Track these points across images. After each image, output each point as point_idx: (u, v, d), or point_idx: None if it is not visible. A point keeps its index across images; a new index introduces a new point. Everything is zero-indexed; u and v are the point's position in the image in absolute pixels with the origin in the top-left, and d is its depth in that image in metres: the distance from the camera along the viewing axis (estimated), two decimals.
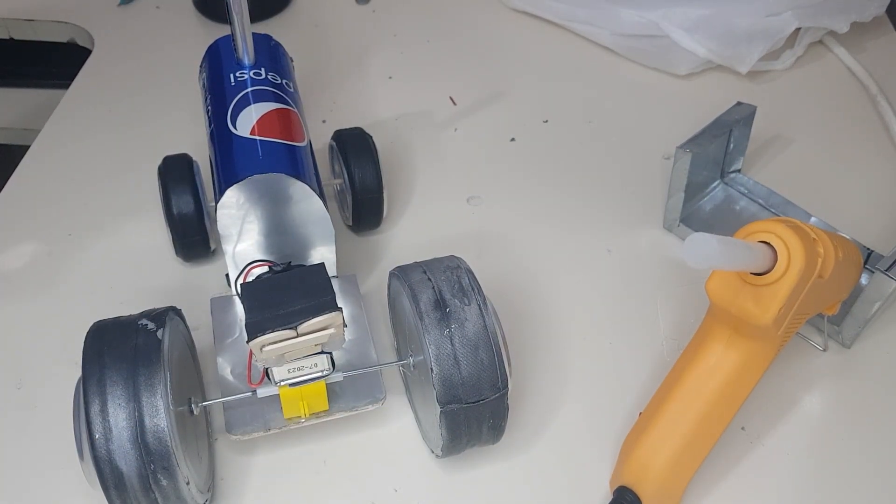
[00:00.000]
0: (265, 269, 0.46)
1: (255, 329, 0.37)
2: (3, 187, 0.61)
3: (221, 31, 0.52)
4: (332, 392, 0.44)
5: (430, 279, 0.42)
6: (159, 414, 0.37)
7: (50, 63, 0.89)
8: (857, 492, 0.44)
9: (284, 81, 0.52)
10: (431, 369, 0.39)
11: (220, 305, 0.49)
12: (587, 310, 0.53)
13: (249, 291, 0.40)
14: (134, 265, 0.56)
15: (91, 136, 0.66)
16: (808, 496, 0.44)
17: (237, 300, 0.48)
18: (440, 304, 0.40)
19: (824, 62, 0.72)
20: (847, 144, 0.64)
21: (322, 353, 0.41)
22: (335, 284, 0.42)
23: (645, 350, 0.50)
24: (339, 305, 0.39)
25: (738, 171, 0.60)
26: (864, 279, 0.50)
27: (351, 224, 0.56)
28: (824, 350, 0.50)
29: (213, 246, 0.54)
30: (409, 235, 0.58)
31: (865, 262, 0.51)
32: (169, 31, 0.77)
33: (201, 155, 0.54)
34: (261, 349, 0.38)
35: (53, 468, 0.45)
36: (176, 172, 0.52)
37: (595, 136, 0.66)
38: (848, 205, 0.59)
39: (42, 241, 0.57)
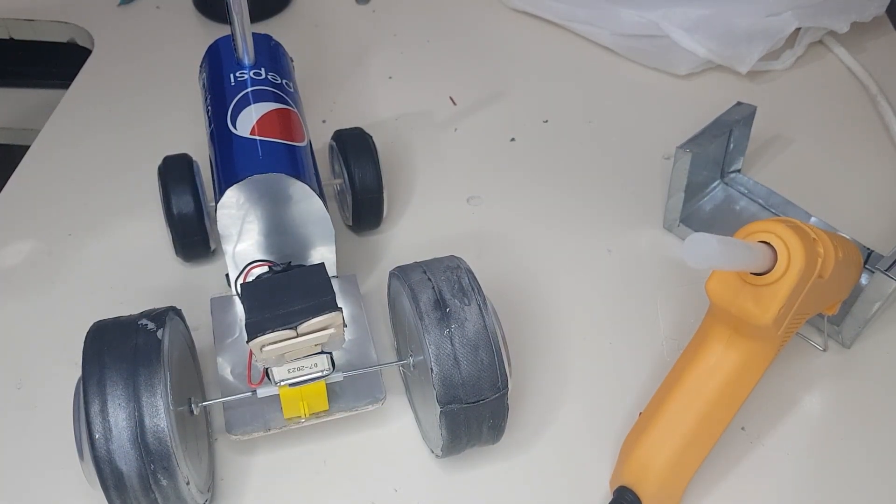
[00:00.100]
0: (265, 269, 0.46)
1: (255, 329, 0.37)
2: (3, 187, 0.61)
3: (221, 31, 0.52)
4: (332, 392, 0.44)
5: (430, 279, 0.42)
6: (159, 414, 0.37)
7: (50, 63, 0.89)
8: (857, 492, 0.44)
9: (284, 81, 0.52)
10: (431, 369, 0.39)
11: (220, 305, 0.49)
12: (587, 310, 0.53)
13: (249, 291, 0.40)
14: (134, 265, 0.56)
15: (91, 136, 0.66)
16: (808, 496, 0.44)
17: (237, 300, 0.48)
18: (440, 304, 0.40)
19: (824, 62, 0.72)
20: (847, 144, 0.64)
21: (322, 353, 0.41)
22: (335, 284, 0.42)
23: (645, 350, 0.50)
24: (339, 305, 0.39)
25: (738, 171, 0.60)
26: (864, 279, 0.50)
27: (351, 224, 0.56)
28: (824, 350, 0.50)
29: (213, 246, 0.54)
30: (409, 235, 0.58)
31: (865, 262, 0.51)
32: (169, 31, 0.77)
33: (201, 155, 0.54)
34: (261, 349, 0.38)
35: (53, 468, 0.45)
36: (176, 172, 0.52)
37: (595, 136, 0.66)
38: (848, 205, 0.59)
39: (42, 240, 0.57)
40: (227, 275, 0.48)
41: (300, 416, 0.43)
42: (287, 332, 0.37)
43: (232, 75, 0.50)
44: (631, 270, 0.55)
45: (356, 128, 0.56)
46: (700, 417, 0.41)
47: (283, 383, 0.41)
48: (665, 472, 0.41)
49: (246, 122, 0.48)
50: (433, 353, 0.39)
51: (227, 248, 0.47)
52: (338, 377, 0.43)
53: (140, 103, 0.69)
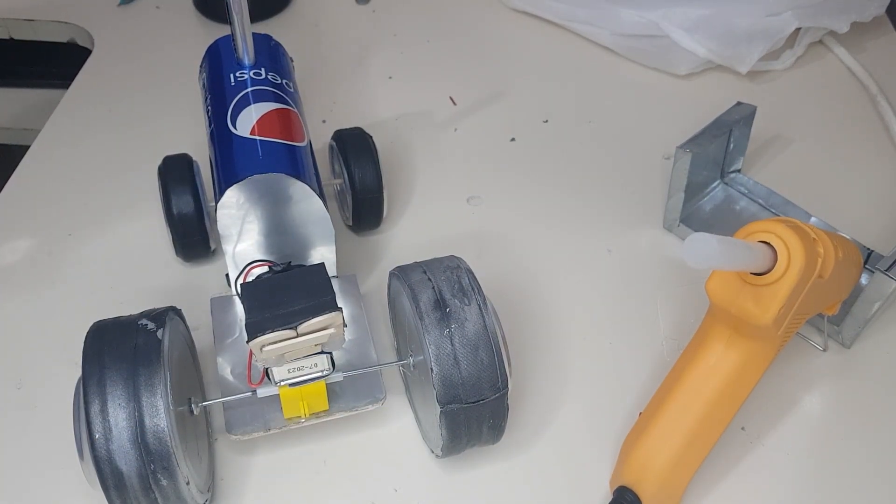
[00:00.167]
0: (265, 269, 0.46)
1: (255, 329, 0.37)
2: (3, 187, 0.61)
3: (221, 31, 0.52)
4: (332, 392, 0.44)
5: (430, 279, 0.42)
6: (159, 414, 0.37)
7: (50, 63, 0.89)
8: (857, 492, 0.44)
9: (284, 81, 0.52)
10: (431, 369, 0.39)
11: (220, 305, 0.49)
12: (587, 310, 0.53)
13: (249, 291, 0.40)
14: (134, 265, 0.56)
15: (91, 136, 0.66)
16: (808, 496, 0.44)
17: (237, 300, 0.48)
18: (440, 304, 0.40)
19: (824, 62, 0.72)
20: (847, 144, 0.64)
21: (322, 353, 0.41)
22: (335, 284, 0.42)
23: (645, 350, 0.50)
24: (339, 305, 0.39)
25: (738, 171, 0.60)
26: (864, 279, 0.50)
27: (351, 224, 0.56)
28: (824, 350, 0.50)
29: (213, 246, 0.54)
30: (409, 235, 0.58)
31: (865, 262, 0.51)
32: (169, 31, 0.77)
33: (201, 155, 0.54)
34: (261, 349, 0.38)
35: (53, 468, 0.45)
36: (176, 172, 0.52)
37: (595, 136, 0.66)
38: (848, 205, 0.59)
39: (42, 240, 0.57)
40: (227, 275, 0.48)
41: (300, 416, 0.43)
42: (287, 332, 0.37)
43: (232, 75, 0.50)
44: (631, 270, 0.55)
45: (356, 128, 0.56)
46: (700, 417, 0.41)
47: (283, 383, 0.41)
48: (665, 472, 0.41)
49: (246, 122, 0.48)
50: (433, 353, 0.39)
51: (227, 248, 0.47)
52: (338, 377, 0.43)
53: (140, 103, 0.69)
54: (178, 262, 0.55)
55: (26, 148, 0.64)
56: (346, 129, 0.56)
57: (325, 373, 0.42)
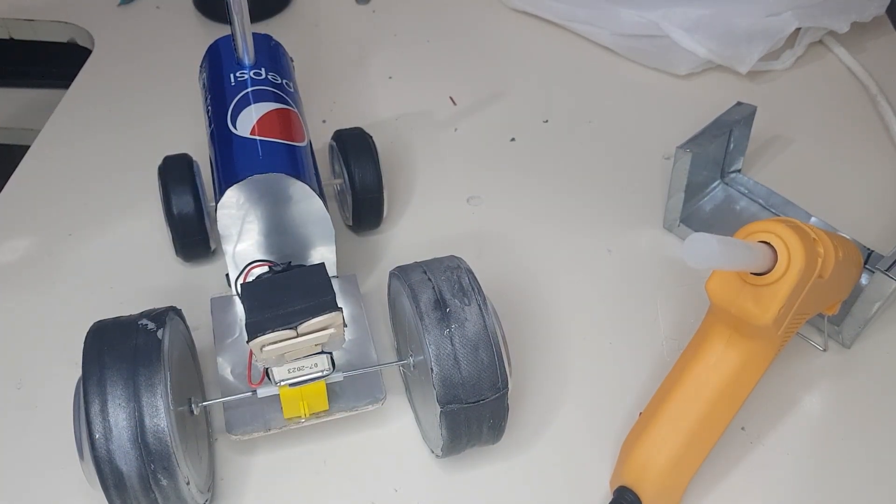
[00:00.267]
0: (265, 269, 0.46)
1: (255, 329, 0.37)
2: (3, 187, 0.61)
3: (221, 31, 0.52)
4: (332, 392, 0.44)
5: (430, 279, 0.42)
6: (159, 414, 0.37)
7: (50, 63, 0.89)
8: (857, 492, 0.44)
9: (284, 81, 0.52)
10: (431, 369, 0.39)
11: (220, 305, 0.49)
12: (587, 310, 0.53)
13: (249, 291, 0.40)
14: (134, 265, 0.56)
15: (91, 136, 0.66)
16: (808, 496, 0.44)
17: (237, 300, 0.48)
18: (440, 304, 0.40)
19: (824, 62, 0.72)
20: (847, 144, 0.64)
21: (322, 353, 0.41)
22: (335, 284, 0.42)
23: (645, 350, 0.50)
24: (339, 305, 0.39)
25: (738, 171, 0.60)
26: (864, 279, 0.50)
27: (351, 224, 0.56)
28: (824, 350, 0.50)
29: (213, 246, 0.54)
30: (409, 235, 0.58)
31: (865, 262, 0.51)
32: (169, 31, 0.77)
33: (201, 155, 0.54)
34: (261, 349, 0.38)
35: (53, 468, 0.45)
36: (176, 172, 0.52)
37: (595, 136, 0.66)
38: (848, 205, 0.59)
39: (42, 240, 0.57)
40: (227, 275, 0.48)
41: (300, 416, 0.43)
42: (287, 332, 0.37)
43: (232, 75, 0.50)
44: (631, 270, 0.55)
45: (356, 128, 0.56)
46: (700, 417, 0.41)
47: (283, 383, 0.41)
48: (665, 472, 0.41)
49: (246, 122, 0.48)
50: (433, 353, 0.39)
51: (227, 248, 0.47)
52: (338, 377, 0.43)
53: (140, 103, 0.69)
54: (178, 262, 0.55)
55: (26, 148, 0.64)
56: (346, 129, 0.56)
57: (325, 373, 0.42)
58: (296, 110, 0.51)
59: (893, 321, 0.51)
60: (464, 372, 0.39)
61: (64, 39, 0.79)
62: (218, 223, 0.46)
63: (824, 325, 0.50)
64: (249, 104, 0.49)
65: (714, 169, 0.59)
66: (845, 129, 0.66)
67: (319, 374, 0.42)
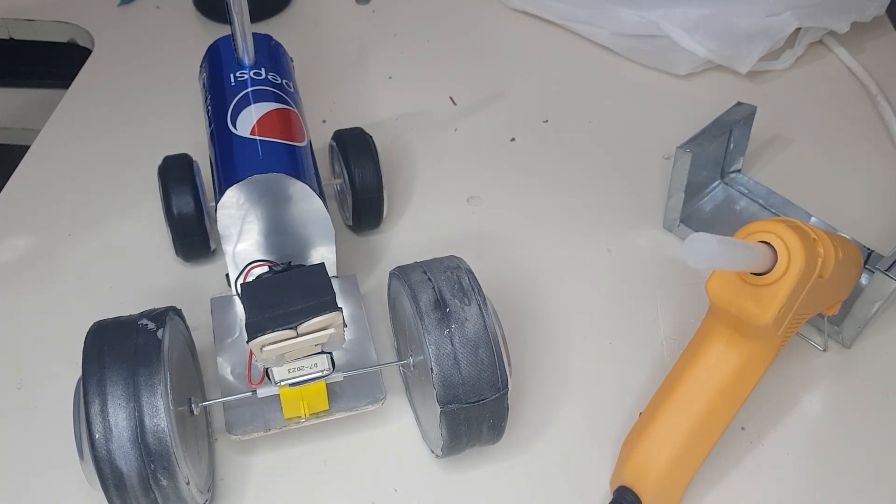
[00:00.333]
0: (265, 269, 0.46)
1: (255, 329, 0.37)
2: (3, 187, 0.61)
3: (221, 31, 0.52)
4: (332, 392, 0.44)
5: (430, 279, 0.42)
6: (159, 414, 0.37)
7: (50, 63, 0.89)
8: (857, 491, 0.44)
9: (284, 81, 0.52)
10: (431, 369, 0.39)
11: (220, 305, 0.49)
12: (587, 310, 0.53)
13: (249, 291, 0.40)
14: (134, 265, 0.56)
15: (91, 136, 0.66)
16: (808, 496, 0.44)
17: (237, 300, 0.48)
18: (440, 304, 0.40)
19: (824, 62, 0.72)
20: (847, 144, 0.64)
21: (322, 353, 0.41)
22: (335, 284, 0.42)
23: (645, 350, 0.50)
24: (339, 305, 0.39)
25: (738, 171, 0.60)
26: (864, 279, 0.50)
27: (351, 224, 0.56)
28: (824, 350, 0.50)
29: (213, 246, 0.54)
30: (409, 235, 0.58)
31: (865, 262, 0.51)
32: (169, 31, 0.77)
33: (201, 155, 0.54)
34: (261, 349, 0.38)
35: (53, 468, 0.45)
36: (176, 172, 0.52)
37: (595, 136, 0.66)
38: (848, 205, 0.59)
39: (42, 240, 0.57)
40: (227, 275, 0.48)
41: (300, 416, 0.43)
42: (287, 332, 0.37)
43: (232, 75, 0.50)
44: (631, 270, 0.55)
45: (356, 128, 0.56)
46: (700, 417, 0.41)
47: (283, 383, 0.41)
48: (665, 472, 0.41)
49: (246, 122, 0.48)
50: (433, 353, 0.39)
51: (227, 248, 0.47)
52: (338, 377, 0.43)
53: (140, 103, 0.69)
54: (178, 262, 0.55)
55: (26, 148, 0.64)
56: (346, 129, 0.56)
57: (325, 373, 0.42)
58: (296, 110, 0.51)
59: (893, 321, 0.51)
60: (464, 372, 0.39)
61: (64, 39, 0.79)
62: (218, 223, 0.46)
63: (824, 325, 0.50)
64: (249, 104, 0.49)
65: (714, 169, 0.59)
66: (845, 129, 0.66)
67: (319, 374, 0.42)
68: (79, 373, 0.38)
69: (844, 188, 0.61)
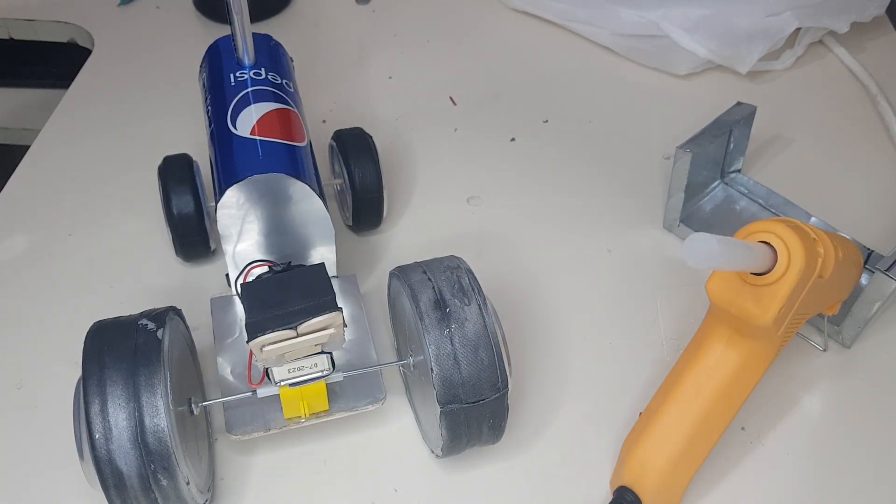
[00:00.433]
0: (265, 269, 0.46)
1: (255, 329, 0.37)
2: (3, 187, 0.61)
3: (221, 31, 0.52)
4: (332, 392, 0.44)
5: (430, 279, 0.42)
6: (159, 414, 0.37)
7: (50, 63, 0.89)
8: (857, 491, 0.44)
9: (284, 81, 0.52)
10: (431, 369, 0.39)
11: (220, 305, 0.49)
12: (587, 310, 0.53)
13: (249, 291, 0.40)
14: (134, 265, 0.56)
15: (91, 136, 0.66)
16: (808, 496, 0.44)
17: (237, 300, 0.48)
18: (440, 304, 0.40)
19: (824, 62, 0.72)
20: (847, 144, 0.64)
21: (322, 353, 0.41)
22: (335, 284, 0.42)
23: (645, 350, 0.50)
24: (339, 305, 0.39)
25: (738, 171, 0.60)
26: (864, 279, 0.50)
27: (351, 224, 0.56)
28: (824, 350, 0.50)
29: (213, 246, 0.54)
30: (409, 235, 0.58)
31: (865, 262, 0.51)
32: (169, 31, 0.77)
33: (201, 155, 0.54)
34: (261, 349, 0.38)
35: (53, 468, 0.45)
36: (176, 172, 0.52)
37: (595, 136, 0.66)
38: (848, 205, 0.59)
39: (42, 240, 0.57)
40: (227, 275, 0.48)
41: (300, 416, 0.43)
42: (287, 332, 0.37)
43: (232, 75, 0.50)
44: (631, 270, 0.55)
45: (356, 128, 0.56)
46: (700, 417, 0.41)
47: (283, 383, 0.41)
48: (665, 472, 0.41)
49: (246, 122, 0.48)
50: (433, 353, 0.39)
51: (227, 248, 0.47)
52: (338, 377, 0.43)
53: (140, 103, 0.69)
54: (178, 262, 0.55)
55: (26, 148, 0.64)
56: (346, 129, 0.56)
57: (325, 373, 0.42)
58: (296, 110, 0.51)
59: (893, 321, 0.51)
60: (464, 372, 0.39)
61: (64, 39, 0.79)
62: (218, 223, 0.46)
63: (824, 325, 0.50)
64: (249, 104, 0.49)
65: (714, 169, 0.59)
66: (845, 129, 0.66)
67: (319, 374, 0.42)
68: (79, 373, 0.38)
69: (844, 188, 0.61)
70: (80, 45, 0.78)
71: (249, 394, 0.43)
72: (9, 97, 0.90)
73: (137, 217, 0.58)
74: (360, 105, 0.69)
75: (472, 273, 0.42)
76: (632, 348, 0.50)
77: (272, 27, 0.77)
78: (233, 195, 0.45)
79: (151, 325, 0.39)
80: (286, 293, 0.39)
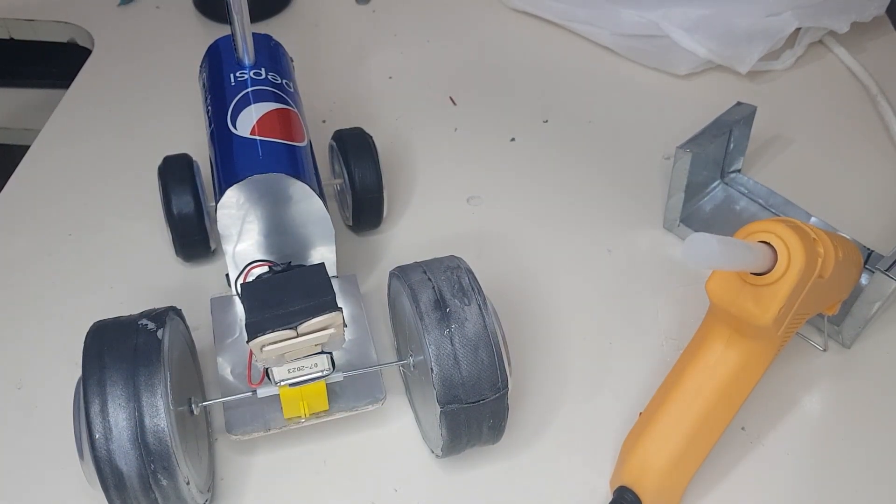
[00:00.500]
0: (265, 269, 0.46)
1: (255, 329, 0.37)
2: (3, 187, 0.61)
3: (221, 31, 0.52)
4: (332, 392, 0.44)
5: (430, 279, 0.42)
6: (159, 414, 0.37)
7: (50, 63, 0.89)
8: (857, 492, 0.44)
9: (284, 81, 0.52)
10: (431, 369, 0.39)
11: (220, 305, 0.49)
12: (587, 310, 0.53)
13: (249, 291, 0.40)
14: (134, 265, 0.56)
15: (91, 136, 0.66)
16: (808, 496, 0.44)
17: (237, 300, 0.48)
18: (440, 304, 0.40)
19: (824, 62, 0.72)
20: (847, 144, 0.64)
21: (322, 353, 0.41)
22: (335, 284, 0.42)
23: (645, 350, 0.50)
24: (339, 305, 0.39)
25: (738, 171, 0.60)
26: (864, 279, 0.50)
27: (351, 224, 0.56)
28: (824, 350, 0.50)
29: (213, 246, 0.54)
30: (409, 235, 0.58)
31: (865, 262, 0.51)
32: (169, 31, 0.77)
33: (201, 155, 0.54)
34: (261, 349, 0.38)
35: (53, 468, 0.45)
36: (176, 172, 0.52)
37: (595, 136, 0.66)
38: (848, 205, 0.59)
39: (42, 241, 0.57)
40: (227, 275, 0.48)
41: (300, 416, 0.43)
42: (287, 332, 0.37)
43: (232, 75, 0.50)
44: (631, 270, 0.55)
45: (356, 128, 0.56)
46: (700, 417, 0.41)
47: (283, 383, 0.41)
48: (665, 472, 0.41)
49: (246, 122, 0.48)
50: (433, 353, 0.39)
51: (227, 248, 0.47)
52: (338, 377, 0.43)
53: (140, 103, 0.69)
54: (178, 262, 0.55)
55: (26, 148, 0.64)
56: (346, 129, 0.56)
57: (325, 373, 0.42)
58: (296, 110, 0.51)
59: (893, 321, 0.51)
60: (464, 372, 0.39)
61: (64, 39, 0.79)
62: (218, 223, 0.46)
63: (824, 325, 0.50)
64: (249, 104, 0.49)
65: (714, 169, 0.59)
66: (845, 129, 0.66)
67: (319, 374, 0.42)
68: (79, 373, 0.38)
69: (844, 188, 0.61)
70: (80, 45, 0.78)
71: (249, 394, 0.43)
72: (9, 97, 0.90)
73: (137, 217, 0.58)
74: (360, 105, 0.69)
75: (472, 273, 0.42)
76: (632, 348, 0.50)
77: (272, 27, 0.77)
78: (233, 195, 0.45)
79: (151, 325, 0.39)
80: (286, 293, 0.39)
